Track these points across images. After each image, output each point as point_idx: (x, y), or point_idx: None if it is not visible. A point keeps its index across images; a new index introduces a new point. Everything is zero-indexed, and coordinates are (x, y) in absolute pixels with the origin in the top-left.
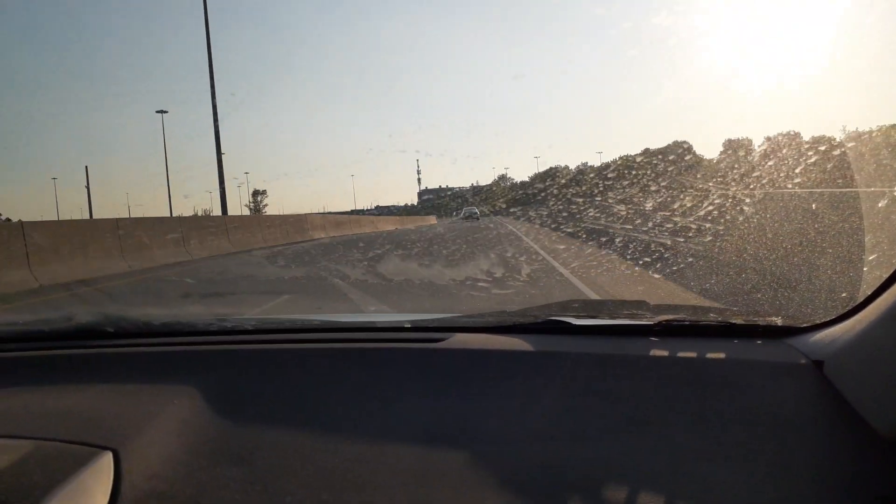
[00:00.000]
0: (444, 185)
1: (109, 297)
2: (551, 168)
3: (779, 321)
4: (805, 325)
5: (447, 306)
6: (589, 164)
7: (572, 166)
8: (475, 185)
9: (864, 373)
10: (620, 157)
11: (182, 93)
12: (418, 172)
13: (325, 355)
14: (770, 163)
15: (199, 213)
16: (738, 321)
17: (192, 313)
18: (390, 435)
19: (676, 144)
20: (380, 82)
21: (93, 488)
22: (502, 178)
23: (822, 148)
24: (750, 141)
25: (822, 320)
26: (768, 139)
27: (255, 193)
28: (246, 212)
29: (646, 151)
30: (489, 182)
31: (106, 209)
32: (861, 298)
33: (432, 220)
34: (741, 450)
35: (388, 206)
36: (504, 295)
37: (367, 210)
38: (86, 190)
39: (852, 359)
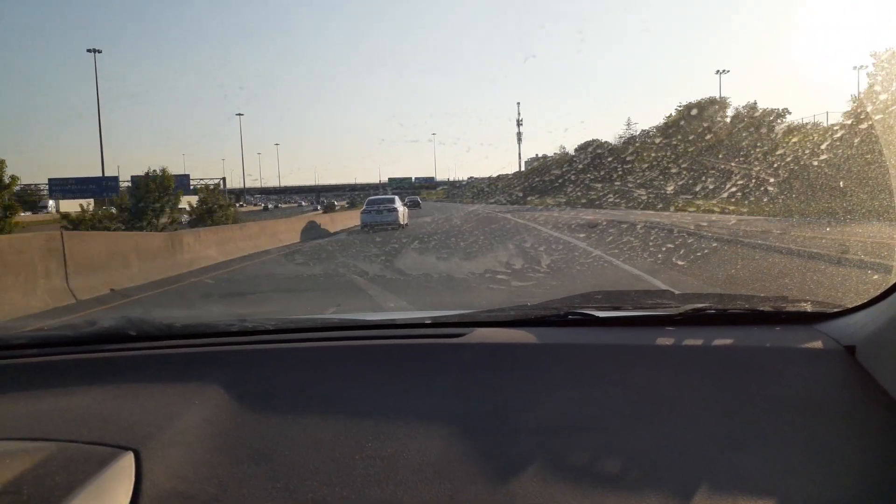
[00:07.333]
0: (541, 154)
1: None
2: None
3: (808, 307)
4: (835, 309)
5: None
6: None
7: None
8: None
9: None
10: None
11: None
12: (518, 123)
13: (344, 353)
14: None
15: None
16: (766, 308)
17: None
18: (412, 431)
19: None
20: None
21: (114, 488)
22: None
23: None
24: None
25: (853, 305)
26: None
27: None
28: None
29: None
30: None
31: None
32: (894, 280)
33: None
34: (772, 438)
35: (479, 178)
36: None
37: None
38: None
39: (886, 343)
